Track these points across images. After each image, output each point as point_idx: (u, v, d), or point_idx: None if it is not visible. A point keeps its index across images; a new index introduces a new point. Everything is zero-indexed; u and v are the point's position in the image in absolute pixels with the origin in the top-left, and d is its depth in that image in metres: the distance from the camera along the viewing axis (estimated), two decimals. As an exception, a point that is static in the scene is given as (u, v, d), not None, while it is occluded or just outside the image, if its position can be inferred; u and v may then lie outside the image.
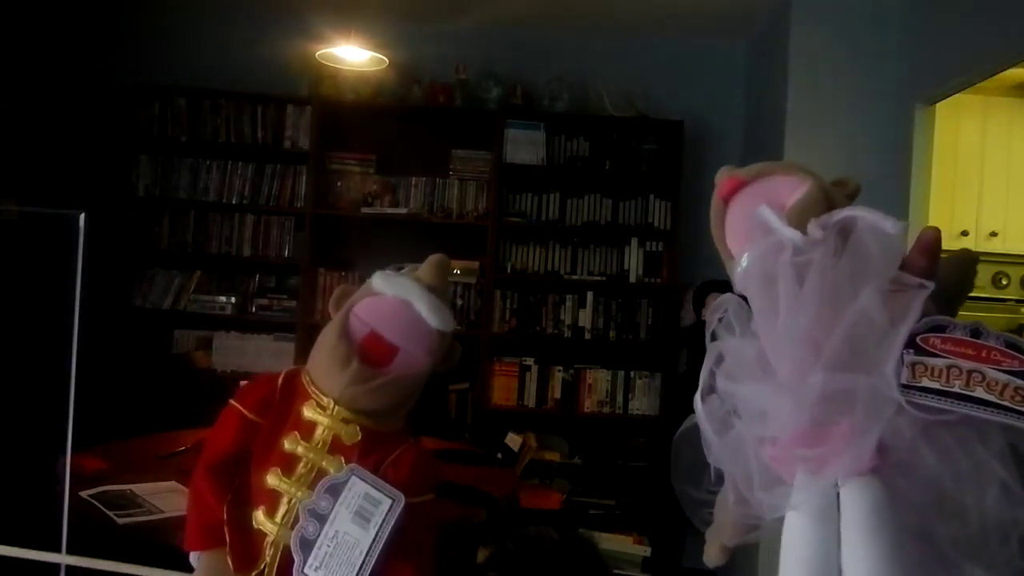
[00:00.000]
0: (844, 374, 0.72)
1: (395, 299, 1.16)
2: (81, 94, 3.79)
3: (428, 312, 1.15)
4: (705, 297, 3.46)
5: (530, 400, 3.88)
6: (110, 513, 1.76)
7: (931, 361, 0.70)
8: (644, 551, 3.49)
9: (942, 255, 0.81)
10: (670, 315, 3.86)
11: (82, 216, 1.37)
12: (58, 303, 1.46)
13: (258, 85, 3.92)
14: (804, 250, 0.79)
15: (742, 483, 0.82)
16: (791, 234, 0.81)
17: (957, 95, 3.04)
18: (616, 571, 3.37)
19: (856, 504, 0.73)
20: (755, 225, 0.86)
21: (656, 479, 3.70)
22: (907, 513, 0.72)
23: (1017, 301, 3.98)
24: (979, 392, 0.68)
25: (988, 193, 3.95)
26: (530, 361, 3.90)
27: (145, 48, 4.05)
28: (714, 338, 0.87)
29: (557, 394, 3.89)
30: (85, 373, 1.42)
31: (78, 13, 3.80)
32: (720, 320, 0.87)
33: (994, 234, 3.94)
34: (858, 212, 0.79)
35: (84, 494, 1.81)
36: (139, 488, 1.90)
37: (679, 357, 3.80)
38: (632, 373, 3.88)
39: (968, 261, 0.91)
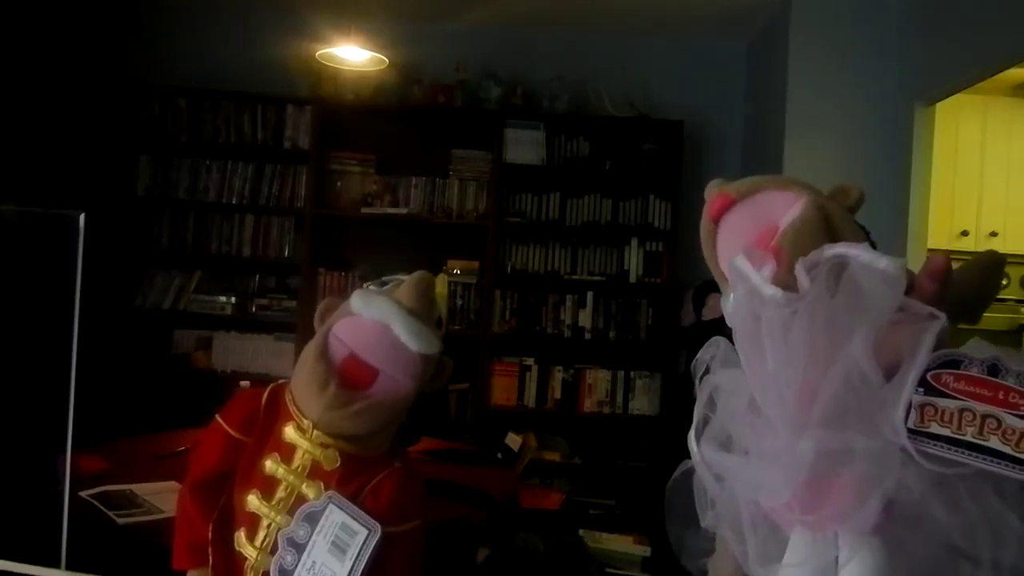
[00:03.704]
0: (838, 433, 0.66)
1: (374, 322, 1.10)
2: (81, 94, 3.78)
3: (408, 336, 1.10)
4: (705, 297, 3.46)
5: (530, 400, 3.88)
6: (110, 513, 1.75)
7: (942, 403, 0.62)
8: (644, 551, 3.49)
9: (966, 258, 0.78)
10: (670, 315, 3.86)
11: (82, 216, 1.37)
12: (58, 303, 1.46)
13: (258, 85, 3.92)
14: (787, 305, 0.73)
15: (737, 551, 0.77)
16: (771, 292, 0.75)
17: (957, 95, 3.04)
18: (616, 571, 3.37)
19: (857, 570, 0.69)
20: (734, 275, 0.80)
21: (656, 479, 3.69)
22: (914, 566, 0.67)
23: (1017, 301, 3.98)
24: (994, 441, 0.60)
25: (988, 193, 3.95)
26: (530, 361, 3.90)
27: (145, 48, 4.04)
28: (706, 372, 0.82)
29: (557, 394, 3.89)
30: (85, 373, 1.42)
31: (78, 14, 3.79)
32: (712, 357, 0.82)
33: (994, 234, 3.94)
34: (851, 251, 0.73)
35: (84, 494, 1.80)
36: (139, 488, 1.90)
37: (679, 357, 3.80)
38: (632, 373, 3.88)
39: (992, 264, 0.84)
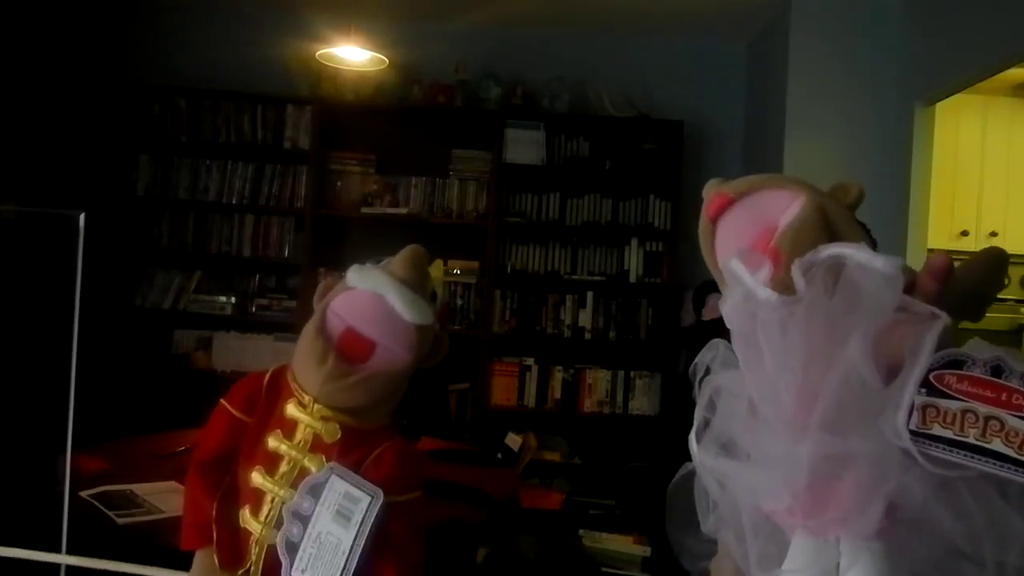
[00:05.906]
0: (838, 436, 0.65)
1: (368, 293, 1.13)
2: (81, 94, 3.79)
3: (402, 306, 1.12)
4: (705, 297, 3.46)
5: (530, 400, 3.88)
6: (110, 513, 1.75)
7: (945, 404, 0.61)
8: (644, 551, 3.48)
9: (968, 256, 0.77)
10: (670, 315, 3.86)
11: (82, 216, 1.37)
12: (58, 303, 1.46)
13: (258, 85, 3.92)
14: (782, 308, 0.71)
15: (738, 555, 0.76)
16: (766, 295, 0.73)
17: (957, 95, 3.05)
18: (616, 571, 3.37)
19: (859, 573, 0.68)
20: (729, 276, 0.79)
21: (656, 479, 3.69)
22: (917, 570, 0.66)
23: (1017, 301, 3.98)
24: (996, 444, 0.59)
25: (988, 193, 3.95)
26: (530, 361, 3.90)
27: (145, 48, 4.05)
28: (706, 374, 0.81)
29: (557, 394, 3.89)
30: (85, 373, 1.42)
31: (78, 13, 3.80)
32: (712, 359, 0.81)
33: (994, 234, 3.94)
34: (846, 250, 0.71)
35: (84, 494, 1.80)
36: (139, 488, 1.90)
37: (679, 357, 3.80)
38: (632, 373, 3.88)
39: (995, 260, 0.82)
